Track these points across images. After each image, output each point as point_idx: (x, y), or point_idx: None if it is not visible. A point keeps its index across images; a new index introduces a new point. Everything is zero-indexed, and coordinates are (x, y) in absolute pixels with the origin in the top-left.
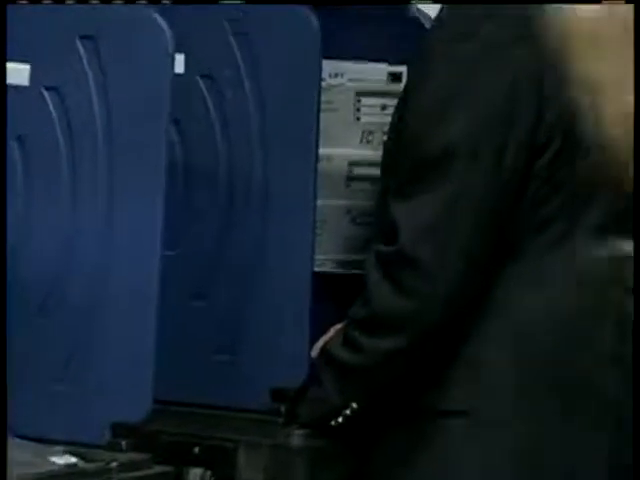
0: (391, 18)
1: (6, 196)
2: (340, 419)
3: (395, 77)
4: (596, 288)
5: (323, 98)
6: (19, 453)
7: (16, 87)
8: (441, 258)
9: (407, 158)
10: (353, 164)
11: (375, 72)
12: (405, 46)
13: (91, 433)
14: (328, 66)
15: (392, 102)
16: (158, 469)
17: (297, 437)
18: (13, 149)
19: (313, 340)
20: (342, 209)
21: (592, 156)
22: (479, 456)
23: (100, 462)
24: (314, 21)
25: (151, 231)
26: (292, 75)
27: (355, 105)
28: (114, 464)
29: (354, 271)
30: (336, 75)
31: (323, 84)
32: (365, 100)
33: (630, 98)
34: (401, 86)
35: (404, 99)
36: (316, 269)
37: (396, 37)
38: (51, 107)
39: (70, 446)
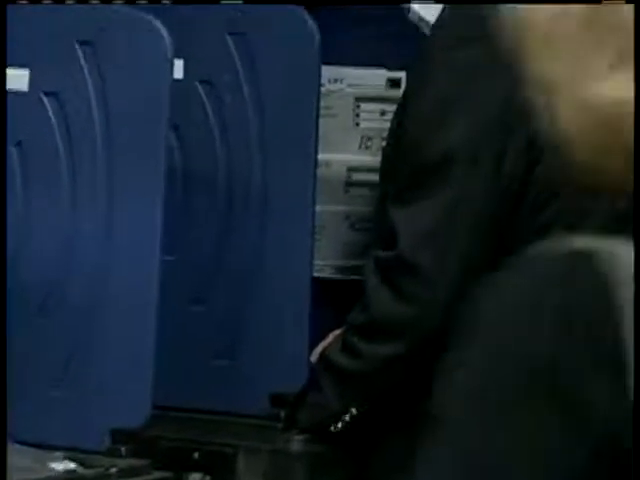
0: (390, 24)
1: (6, 200)
2: (339, 424)
3: (394, 83)
4: None
5: (322, 104)
6: (19, 459)
7: (15, 92)
8: (441, 264)
9: (406, 164)
10: (352, 170)
11: (374, 78)
12: (404, 52)
13: (90, 439)
14: (327, 72)
15: (391, 108)
16: (158, 475)
17: (296, 442)
18: (12, 154)
19: (312, 346)
20: (341, 215)
21: (546, 157)
22: None
23: (99, 468)
24: (313, 26)
25: (151, 233)
26: (291, 80)
27: (354, 111)
28: (113, 470)
29: (353, 277)
30: (335, 81)
31: (322, 89)
32: (364, 106)
33: (585, 96)
34: (400, 92)
35: (403, 105)
36: (315, 274)
37: (395, 43)
38: (50, 112)
39: (69, 452)
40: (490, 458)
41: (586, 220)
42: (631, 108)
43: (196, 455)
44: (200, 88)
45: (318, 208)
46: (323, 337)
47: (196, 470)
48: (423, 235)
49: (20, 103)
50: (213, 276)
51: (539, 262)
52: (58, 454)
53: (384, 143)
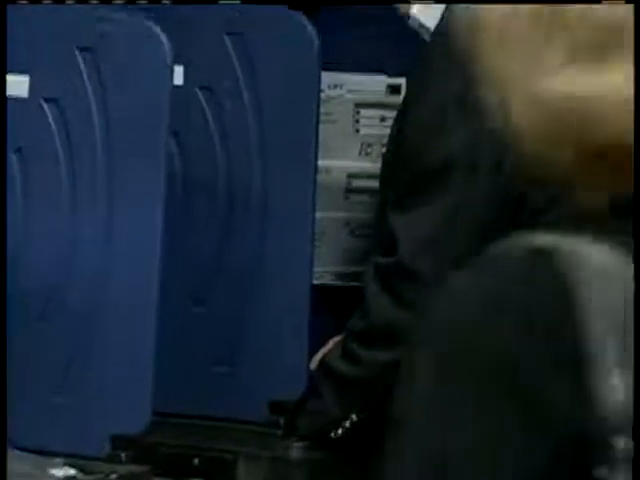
0: (390, 24)
1: (6, 205)
2: (339, 431)
3: (394, 89)
4: None
5: (322, 110)
6: (19, 465)
7: (15, 99)
8: (441, 270)
9: (406, 170)
10: (352, 176)
11: (374, 84)
12: (404, 52)
13: (90, 445)
14: (327, 77)
15: (391, 114)
16: None
17: (296, 449)
18: (12, 161)
19: (312, 352)
20: (341, 221)
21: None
22: None
23: (99, 474)
24: (312, 32)
25: (151, 240)
26: (291, 86)
27: (354, 117)
28: (113, 476)
29: (353, 283)
30: (335, 87)
31: (322, 95)
32: (364, 112)
33: (536, 90)
34: (400, 98)
35: (403, 111)
36: (315, 281)
37: (395, 43)
38: (50, 119)
39: (69, 458)
40: (450, 458)
41: (587, 223)
42: (581, 102)
43: (196, 461)
44: (200, 94)
45: (318, 214)
46: (323, 344)
47: (196, 476)
48: (423, 241)
49: (20, 109)
50: (213, 281)
51: (500, 260)
52: (58, 460)
53: (384, 149)
